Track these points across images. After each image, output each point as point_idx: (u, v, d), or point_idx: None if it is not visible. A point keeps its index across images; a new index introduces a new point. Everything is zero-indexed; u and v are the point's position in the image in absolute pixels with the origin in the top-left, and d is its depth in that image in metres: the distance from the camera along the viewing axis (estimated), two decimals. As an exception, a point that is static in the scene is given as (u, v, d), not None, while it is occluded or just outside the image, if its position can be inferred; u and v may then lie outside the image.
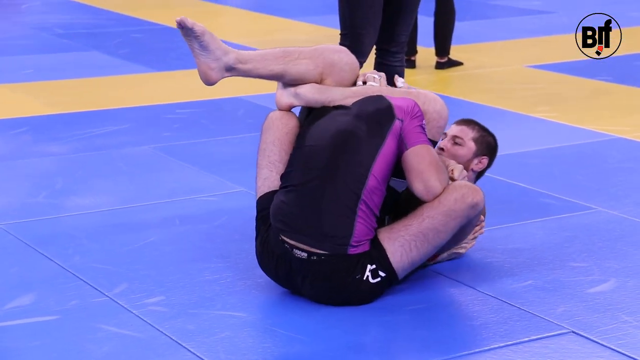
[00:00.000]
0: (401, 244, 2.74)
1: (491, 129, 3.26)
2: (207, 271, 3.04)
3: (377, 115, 2.81)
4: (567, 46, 7.05)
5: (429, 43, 6.46)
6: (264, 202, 2.87)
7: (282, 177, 2.87)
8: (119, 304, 2.80)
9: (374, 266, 2.72)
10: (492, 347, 2.57)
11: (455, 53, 6.40)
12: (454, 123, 3.24)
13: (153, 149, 4.39)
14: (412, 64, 6.22)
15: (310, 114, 2.96)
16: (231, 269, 3.05)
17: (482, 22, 8.04)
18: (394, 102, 2.83)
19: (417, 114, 2.82)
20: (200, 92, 5.56)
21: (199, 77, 2.94)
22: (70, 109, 5.14)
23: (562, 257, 3.15)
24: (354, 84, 3.01)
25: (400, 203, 2.94)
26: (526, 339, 2.61)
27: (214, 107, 5.25)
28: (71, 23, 7.84)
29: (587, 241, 3.29)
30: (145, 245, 3.25)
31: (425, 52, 6.46)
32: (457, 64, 6.33)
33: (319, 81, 2.94)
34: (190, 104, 5.30)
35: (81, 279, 2.96)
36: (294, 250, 2.72)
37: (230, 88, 5.67)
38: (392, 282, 2.77)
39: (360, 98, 2.90)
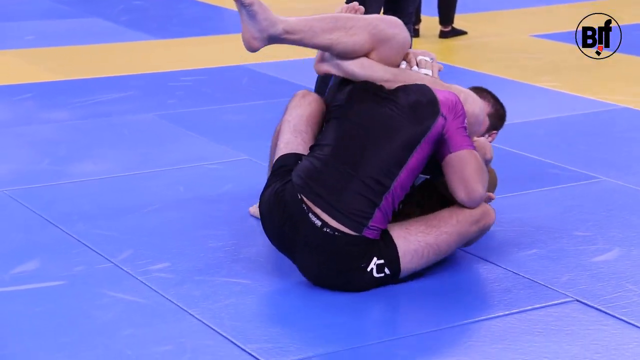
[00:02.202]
0: (415, 248, 2.70)
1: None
2: (212, 238, 3.04)
3: (421, 107, 2.74)
4: (572, 15, 7.01)
5: (433, 12, 6.42)
6: (285, 160, 2.80)
7: (315, 145, 2.80)
8: (124, 270, 2.80)
9: (382, 261, 2.67)
10: (496, 315, 2.57)
11: (459, 22, 6.36)
12: (466, 89, 3.08)
13: (157, 116, 4.38)
14: (416, 33, 6.19)
15: (347, 85, 2.87)
16: (236, 236, 3.05)
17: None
18: (438, 96, 2.76)
19: (460, 112, 2.76)
20: (203, 60, 5.54)
21: (242, 42, 2.83)
22: (73, 75, 5.13)
23: (566, 227, 3.15)
24: (398, 64, 2.89)
25: (417, 193, 2.93)
26: (530, 307, 2.61)
27: (218, 75, 5.23)
28: (71, -11, 7.80)
29: (591, 211, 3.29)
30: (149, 213, 3.25)
31: (429, 21, 6.43)
32: (461, 33, 6.30)
33: (367, 54, 2.84)
34: (194, 71, 5.28)
35: (86, 245, 2.96)
36: (310, 214, 2.66)
37: (234, 56, 5.65)
38: (391, 280, 2.71)
39: (402, 84, 2.81)
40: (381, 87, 2.82)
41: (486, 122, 3.11)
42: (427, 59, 2.94)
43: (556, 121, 4.38)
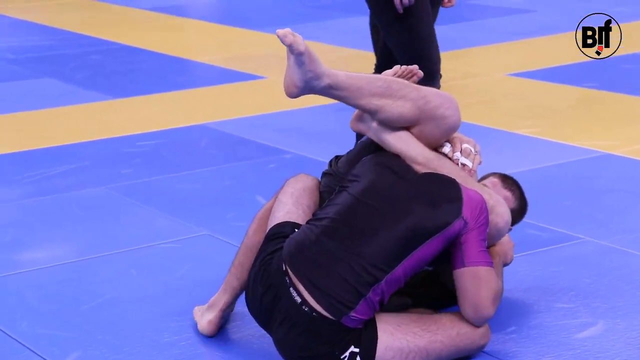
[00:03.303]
0: (401, 346, 2.63)
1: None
2: (167, 332, 2.98)
3: (442, 202, 2.67)
4: (549, 50, 7.04)
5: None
6: (281, 228, 2.77)
7: (314, 216, 2.77)
8: (70, 376, 2.73)
9: (356, 350, 2.60)
10: (473, 406, 2.52)
11: (432, 63, 6.35)
12: (495, 177, 3.06)
13: (111, 189, 4.32)
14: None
15: (371, 156, 2.84)
16: (193, 328, 2.99)
17: (459, 26, 8.00)
18: (464, 196, 2.69)
19: (482, 220, 2.69)
20: (162, 121, 5.50)
21: (283, 84, 2.80)
22: (19, 147, 5.05)
23: (548, 298, 3.10)
24: (440, 145, 2.86)
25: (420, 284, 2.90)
26: (509, 396, 2.57)
27: (176, 136, 5.19)
28: (22, 46, 7.74)
29: (574, 277, 3.25)
30: (100, 304, 3.18)
31: (401, 64, 6.42)
32: (435, 75, 6.29)
33: (410, 127, 2.80)
34: (152, 134, 5.23)
35: (29, 349, 2.89)
36: (291, 288, 2.62)
37: (195, 114, 5.61)
38: None
39: (430, 171, 2.77)
40: (408, 167, 2.78)
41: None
42: (472, 149, 2.89)
43: (536, 173, 4.35)
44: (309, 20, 8.38)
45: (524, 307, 3.06)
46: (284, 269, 2.66)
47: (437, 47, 3.89)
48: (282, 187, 2.92)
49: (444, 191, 2.72)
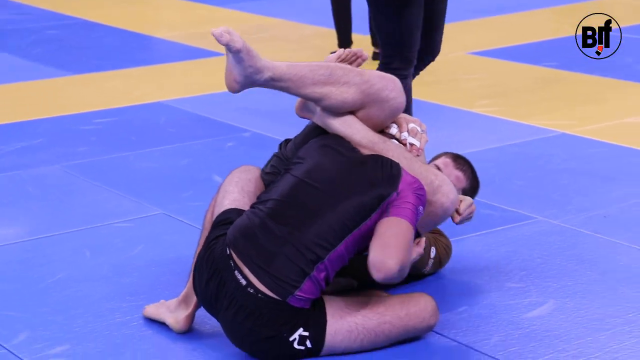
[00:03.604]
0: (349, 329, 2.65)
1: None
2: (118, 312, 2.98)
3: (380, 184, 2.70)
4: (511, 28, 7.08)
5: (364, 30, 6.41)
6: (228, 214, 2.78)
7: (258, 200, 2.79)
8: (17, 356, 2.72)
9: (306, 333, 2.63)
10: (422, 385, 2.55)
11: (393, 41, 6.35)
12: (447, 157, 3.09)
13: (66, 167, 4.30)
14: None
15: (316, 139, 2.86)
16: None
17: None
18: (403, 177, 2.72)
19: (418, 193, 2.71)
20: (119, 98, 5.47)
21: (224, 80, 2.80)
22: (-27, 125, 5.02)
23: (500, 278, 3.14)
24: (386, 126, 2.88)
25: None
26: (458, 375, 2.60)
27: (134, 114, 5.17)
28: (-21, 21, 7.68)
29: (526, 257, 3.29)
30: (52, 284, 3.18)
31: (361, 42, 6.42)
32: (395, 53, 6.29)
33: (354, 112, 2.82)
34: (109, 111, 5.20)
35: (-22, 330, 2.88)
36: (236, 271, 2.64)
37: (154, 91, 5.59)
38: (311, 355, 2.66)
39: (375, 154, 2.79)
40: (353, 148, 2.81)
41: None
42: (418, 128, 2.91)
43: (492, 153, 4.39)
44: (272, -4, 8.36)
45: (476, 286, 3.09)
46: (228, 252, 2.67)
47: (419, 35, 3.88)
48: (227, 177, 2.92)
49: (385, 172, 2.74)
